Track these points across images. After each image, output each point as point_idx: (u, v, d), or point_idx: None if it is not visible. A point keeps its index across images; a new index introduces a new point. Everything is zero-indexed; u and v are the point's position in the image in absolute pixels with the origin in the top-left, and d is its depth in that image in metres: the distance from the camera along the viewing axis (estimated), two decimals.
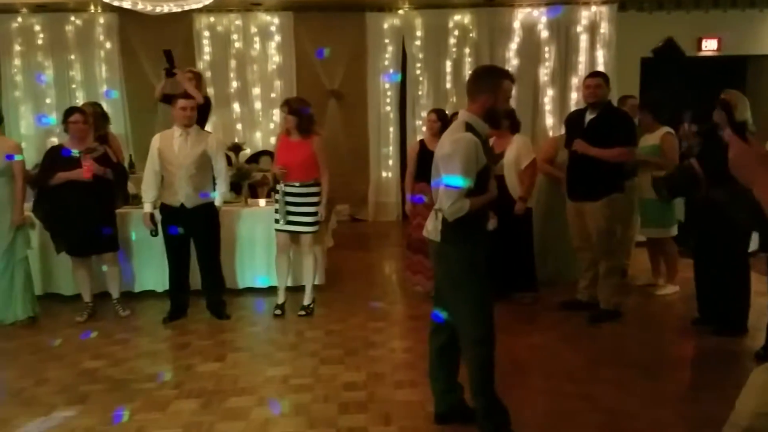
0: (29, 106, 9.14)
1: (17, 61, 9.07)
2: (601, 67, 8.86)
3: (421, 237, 5.45)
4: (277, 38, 9.25)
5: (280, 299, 5.26)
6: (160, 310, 5.23)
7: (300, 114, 4.95)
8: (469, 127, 2.92)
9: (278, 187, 5.06)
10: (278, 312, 5.19)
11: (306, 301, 5.23)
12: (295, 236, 5.13)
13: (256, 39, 9.26)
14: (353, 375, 3.95)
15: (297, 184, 4.99)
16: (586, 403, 3.55)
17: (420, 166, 5.31)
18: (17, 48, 9.05)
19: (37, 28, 9.03)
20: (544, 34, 9.28)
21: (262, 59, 9.31)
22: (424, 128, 9.25)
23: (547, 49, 9.31)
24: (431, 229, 3.06)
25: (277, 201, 5.06)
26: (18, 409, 3.55)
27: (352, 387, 3.77)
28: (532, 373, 4.00)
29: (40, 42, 9.06)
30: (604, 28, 9.21)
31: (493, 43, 9.32)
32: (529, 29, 9.28)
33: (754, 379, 1.92)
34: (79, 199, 4.89)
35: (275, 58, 9.29)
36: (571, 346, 4.46)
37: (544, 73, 9.36)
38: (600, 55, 9.25)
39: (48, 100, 9.14)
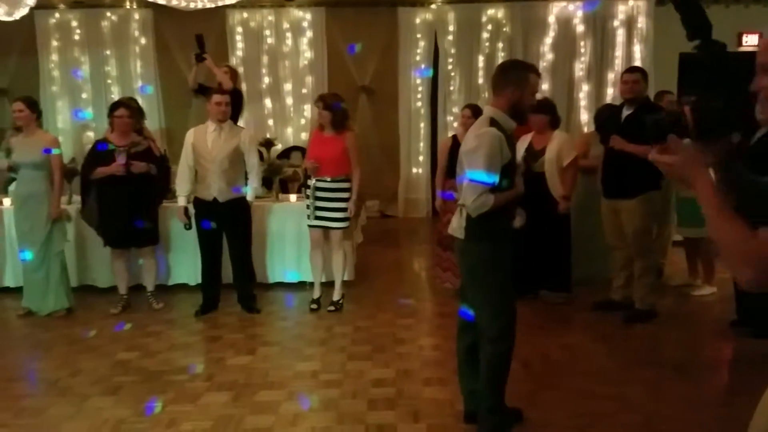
0: (66, 101, 9.32)
1: (54, 57, 9.25)
2: (638, 62, 8.68)
3: (450, 234, 5.44)
4: (309, 34, 9.27)
5: (316, 294, 5.28)
6: (193, 303, 5.28)
7: (334, 109, 4.96)
8: (493, 122, 2.88)
9: (309, 182, 5.07)
10: (314, 306, 5.21)
11: (335, 297, 5.24)
12: (325, 232, 5.14)
13: (288, 35, 9.30)
14: (382, 371, 3.94)
15: (328, 179, 5.00)
16: (620, 404, 3.48)
17: (452, 162, 5.25)
18: (54, 43, 9.23)
19: (74, 23, 9.19)
20: (580, 28, 9.14)
21: (293, 55, 9.34)
22: (455, 124, 9.25)
23: (582, 43, 9.17)
24: (456, 226, 3.04)
25: (308, 196, 5.07)
26: (53, 398, 3.62)
27: (380, 383, 3.76)
28: (565, 374, 3.93)
29: (76, 38, 9.22)
30: (641, 22, 9.03)
31: (527, 38, 9.21)
32: (565, 23, 9.15)
33: None
34: (121, 193, 4.98)
35: (307, 54, 9.32)
36: (605, 346, 4.38)
37: (580, 68, 9.21)
38: (637, 50, 9.07)
39: (84, 95, 9.31)
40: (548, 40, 9.18)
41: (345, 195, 5.04)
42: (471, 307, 3.09)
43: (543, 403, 3.48)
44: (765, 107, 1.67)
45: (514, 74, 2.94)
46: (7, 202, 5.57)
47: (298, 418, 3.36)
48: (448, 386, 3.64)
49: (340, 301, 5.26)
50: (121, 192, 4.99)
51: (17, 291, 5.35)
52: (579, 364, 4.09)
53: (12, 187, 5.35)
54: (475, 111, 5.38)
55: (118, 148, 4.99)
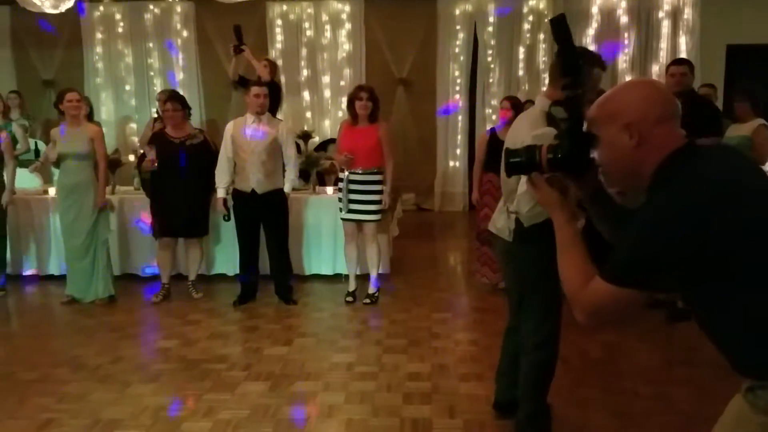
0: (109, 92, 9.53)
1: (99, 49, 9.47)
2: (683, 54, 8.45)
3: (488, 228, 5.38)
4: (348, 26, 9.28)
5: (351, 286, 5.29)
6: (231, 293, 5.35)
7: (376, 100, 4.96)
8: (550, 118, 2.76)
9: (342, 175, 5.06)
10: (350, 299, 5.22)
11: (371, 290, 5.24)
12: (359, 225, 5.14)
13: (327, 27, 9.32)
14: (417, 365, 3.92)
15: (360, 171, 4.99)
16: (661, 404, 3.39)
17: (490, 155, 5.20)
18: (99, 36, 9.44)
19: (118, 16, 9.39)
20: (624, 19, 8.94)
21: (332, 47, 9.36)
22: (494, 116, 9.16)
23: (626, 35, 8.97)
24: (501, 227, 2.93)
25: (340, 189, 5.07)
26: (95, 384, 3.71)
27: (416, 377, 3.74)
28: (605, 372, 3.85)
29: (120, 30, 9.41)
30: (687, 13, 8.79)
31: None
32: (608, 14, 8.97)
33: (729, 407, 1.63)
34: (175, 185, 5.08)
35: (345, 46, 9.33)
36: (646, 345, 4.29)
37: (623, 60, 9.02)
38: (682, 41, 8.84)
39: (127, 87, 9.50)
40: (591, 31, 9.01)
41: (378, 187, 5.04)
42: (516, 309, 3.03)
43: (581, 400, 3.42)
44: (607, 180, 1.68)
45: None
46: (52, 191, 5.70)
47: (333, 410, 3.37)
48: (484, 382, 3.60)
49: (376, 294, 5.26)
50: (176, 184, 5.08)
51: (61, 279, 5.49)
52: (619, 362, 4.01)
53: (56, 178, 5.47)
54: (514, 103, 5.31)
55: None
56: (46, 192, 5.92)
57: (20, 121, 7.24)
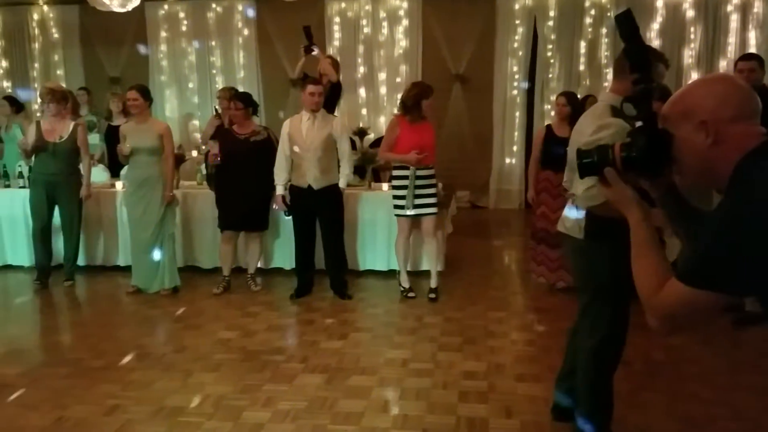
0: (173, 89, 9.80)
1: (163, 47, 9.74)
2: (752, 50, 8.08)
3: (545, 227, 5.31)
4: (405, 22, 9.27)
5: (406, 282, 5.31)
6: (288, 286, 5.45)
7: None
8: (615, 111, 2.67)
9: (397, 172, 5.09)
10: (412, 294, 5.25)
11: (433, 284, 5.26)
12: (416, 220, 5.14)
13: (384, 24, 9.33)
14: (473, 364, 3.91)
15: (423, 167, 5.05)
16: (726, 410, 3.28)
17: (546, 152, 5.12)
18: (163, 34, 9.71)
19: (182, 15, 9.63)
20: (690, 13, 8.62)
21: (389, 44, 9.38)
22: (552, 113, 8.99)
23: (692, 29, 8.65)
24: (570, 225, 2.87)
25: (406, 187, 5.06)
26: (159, 373, 3.84)
27: (471, 376, 3.73)
28: (667, 376, 3.75)
29: (183, 29, 9.67)
30: (757, 7, 8.40)
31: None
32: (674, 8, 8.66)
33: None
34: (238, 179, 5.22)
35: (402, 43, 9.32)
36: (711, 349, 4.15)
37: (689, 55, 8.70)
38: (752, 36, 8.46)
39: (191, 85, 9.76)
40: (655, 25, 8.73)
41: (434, 181, 5.15)
42: (584, 308, 2.97)
43: (643, 404, 3.34)
44: (681, 180, 1.61)
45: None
46: (119, 185, 5.92)
47: (389, 405, 3.40)
48: (542, 383, 3.56)
49: (437, 288, 5.29)
50: (239, 179, 5.22)
51: (127, 269, 5.70)
52: (683, 366, 3.89)
53: (124, 172, 5.67)
54: (570, 98, 5.21)
55: (240, 136, 5.26)
56: (113, 186, 6.16)
57: (88, 117, 7.55)
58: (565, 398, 3.14)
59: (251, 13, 9.42)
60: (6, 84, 9.89)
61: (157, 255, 5.33)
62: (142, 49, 9.52)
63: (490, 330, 4.52)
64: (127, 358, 4.08)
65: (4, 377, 3.81)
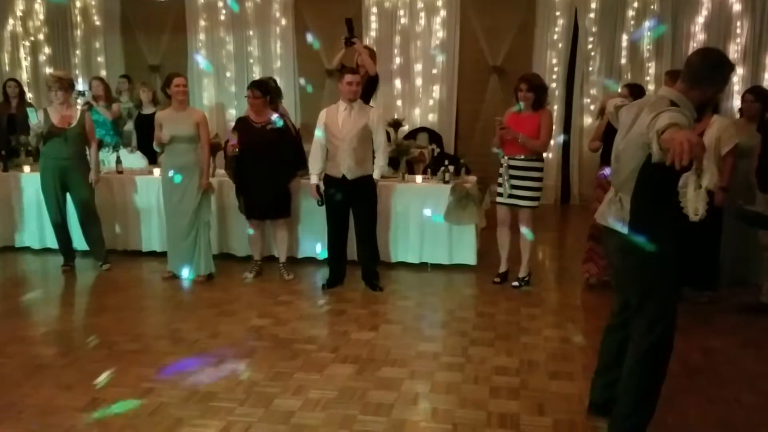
0: (211, 79, 9.89)
1: (202, 36, 9.83)
2: None
3: (596, 224, 5.18)
4: (443, 13, 9.18)
5: (502, 268, 5.41)
6: (320, 276, 5.47)
7: (536, 90, 5.01)
8: (673, 105, 2.58)
9: (503, 160, 5.13)
10: (497, 280, 5.37)
11: (521, 273, 5.29)
12: (513, 210, 5.21)
13: (422, 15, 9.26)
14: (505, 360, 3.86)
15: (521, 157, 5.04)
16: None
17: (605, 146, 5.00)
18: (202, 23, 9.80)
19: (220, 4, 9.70)
20: (737, 7, 8.35)
21: (425, 35, 9.30)
22: (592, 107, 8.83)
23: (738, 23, 8.38)
24: (613, 219, 2.81)
25: (500, 174, 5.13)
26: (192, 358, 3.88)
27: (503, 372, 3.69)
28: (706, 379, 3.65)
29: (222, 18, 9.74)
30: None
31: (676, 16, 8.58)
32: (719, 1, 8.40)
33: None
34: (258, 168, 5.26)
35: (439, 34, 9.24)
36: (752, 352, 4.03)
37: (735, 49, 8.43)
38: None
39: (228, 74, 9.84)
40: (700, 19, 8.49)
41: (536, 174, 5.09)
42: (623, 307, 2.91)
43: (681, 408, 3.25)
44: None
45: (720, 72, 2.68)
46: (157, 172, 6.00)
47: (419, 398, 3.38)
48: (576, 382, 3.51)
49: (527, 278, 5.30)
50: (257, 167, 5.24)
51: (163, 255, 5.78)
52: (722, 369, 3.79)
53: (161, 159, 5.74)
54: (633, 91, 5.04)
55: (256, 125, 5.27)
56: (151, 172, 6.25)
57: (127, 104, 7.66)
58: (601, 395, 3.08)
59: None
60: (49, 70, 10.09)
61: (193, 242, 5.41)
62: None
63: (524, 326, 4.47)
64: (162, 342, 4.15)
65: (41, 358, 3.91)
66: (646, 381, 2.80)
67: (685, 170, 2.25)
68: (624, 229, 2.74)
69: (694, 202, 2.46)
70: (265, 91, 5.38)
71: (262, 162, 5.25)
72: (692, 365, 3.81)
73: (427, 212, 5.68)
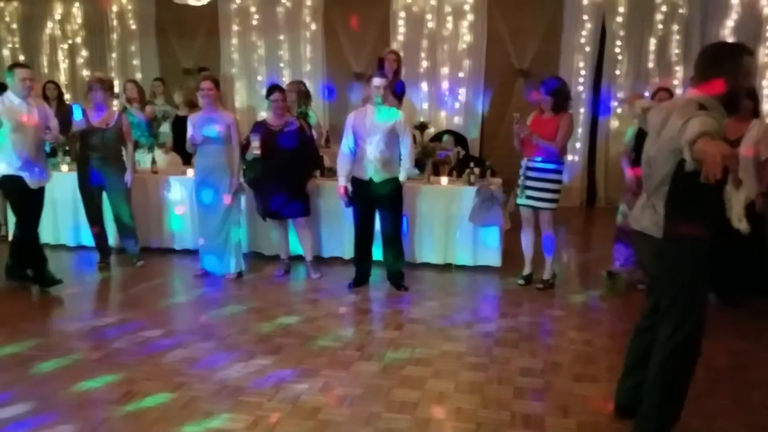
0: (243, 82, 10.06)
1: (234, 40, 10.00)
2: None
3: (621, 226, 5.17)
4: (470, 17, 9.21)
5: (526, 270, 5.45)
6: (346, 276, 5.54)
7: (556, 95, 5.07)
8: (702, 109, 2.58)
9: (522, 161, 5.22)
10: (521, 282, 5.41)
11: (546, 276, 5.32)
12: (535, 212, 5.25)
13: (449, 18, 9.30)
14: (529, 361, 3.90)
15: (539, 159, 5.09)
16: None
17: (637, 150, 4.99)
18: (234, 28, 9.97)
19: (252, 9, 9.86)
20: (767, 10, 8.23)
21: (453, 38, 9.34)
22: (619, 110, 8.78)
23: None
24: (648, 223, 2.82)
25: (520, 176, 5.21)
26: (223, 353, 3.99)
27: (527, 373, 3.72)
28: (731, 383, 3.65)
29: (254, 23, 9.90)
30: None
31: (705, 20, 8.48)
32: (749, 5, 8.29)
33: None
34: (274, 170, 5.36)
35: (466, 37, 9.28)
36: None
37: (765, 53, 8.31)
38: None
39: (259, 78, 10.00)
40: (730, 23, 8.37)
41: (554, 176, 5.13)
42: (653, 310, 2.93)
43: (707, 411, 3.25)
44: None
45: (727, 59, 2.66)
46: (190, 172, 6.14)
47: (443, 397, 3.43)
48: (600, 384, 3.53)
49: (551, 280, 5.33)
50: (274, 169, 5.35)
51: (195, 253, 5.92)
52: (749, 372, 3.78)
53: (194, 160, 5.87)
54: (671, 94, 5.07)
55: (274, 128, 5.38)
56: (184, 173, 6.40)
57: (163, 107, 7.84)
58: (627, 398, 3.10)
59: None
60: (86, 73, 10.37)
61: (224, 240, 5.54)
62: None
63: (548, 328, 4.50)
64: (193, 338, 4.26)
65: (77, 351, 4.05)
66: (671, 383, 2.82)
67: (720, 182, 2.27)
68: (658, 234, 2.75)
69: (738, 215, 2.48)
70: (287, 94, 5.54)
71: (279, 164, 5.34)
72: (719, 369, 3.80)
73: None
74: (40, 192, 5.26)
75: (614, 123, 9.05)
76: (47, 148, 5.43)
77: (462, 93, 9.39)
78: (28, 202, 5.20)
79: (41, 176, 5.23)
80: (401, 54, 7.73)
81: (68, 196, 6.38)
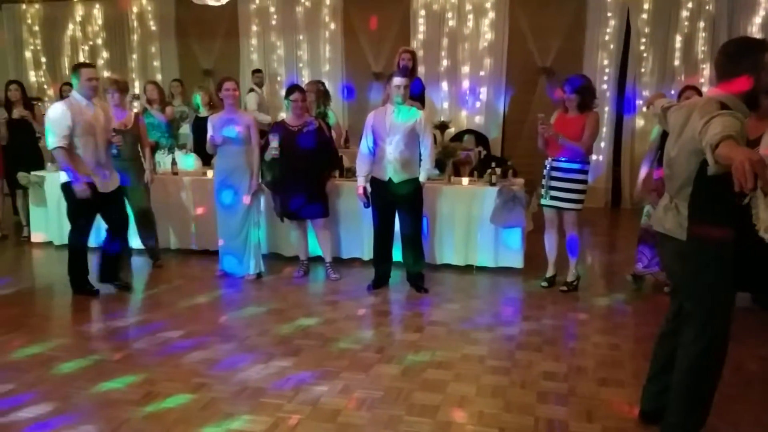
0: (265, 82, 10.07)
1: (253, 41, 10.03)
2: None
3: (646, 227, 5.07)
4: (491, 15, 9.14)
5: (550, 272, 5.39)
6: (365, 277, 5.51)
7: (582, 93, 4.98)
8: (724, 108, 2.52)
9: (546, 162, 5.14)
10: (545, 284, 5.34)
11: (569, 278, 5.25)
12: (559, 213, 5.18)
13: (470, 17, 9.24)
14: (552, 365, 3.82)
15: (563, 160, 5.02)
16: None
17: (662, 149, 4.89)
18: (254, 28, 10.00)
19: (272, 9, 9.89)
20: None
21: (473, 37, 9.28)
22: (644, 108, 8.60)
23: None
24: (671, 225, 2.76)
25: (544, 176, 5.14)
26: (242, 355, 3.98)
27: (551, 377, 3.65)
28: (761, 388, 3.55)
29: (273, 23, 9.91)
30: None
31: (733, 17, 8.33)
32: None
33: None
34: (292, 170, 5.34)
35: (487, 36, 9.20)
36: None
37: None
38: None
39: (279, 78, 10.01)
40: (757, 19, 8.22)
41: (579, 177, 5.04)
42: (678, 313, 2.86)
43: (734, 416, 3.16)
44: None
45: (749, 57, 2.59)
46: (210, 174, 6.15)
47: (465, 401, 3.38)
48: (626, 389, 3.45)
49: (575, 283, 5.26)
50: (292, 169, 5.33)
51: (215, 254, 5.91)
52: None
53: (214, 161, 5.88)
54: (700, 93, 4.95)
55: (293, 128, 5.35)
56: (204, 174, 6.41)
57: (181, 108, 7.88)
58: (652, 403, 3.03)
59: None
60: (106, 74, 10.46)
61: (243, 241, 5.54)
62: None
63: (572, 331, 4.41)
64: (213, 339, 4.25)
65: (98, 352, 4.06)
66: (696, 388, 2.75)
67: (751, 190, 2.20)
68: (682, 236, 2.69)
69: (765, 222, 2.40)
70: (306, 94, 5.50)
71: (298, 163, 5.32)
72: (746, 373, 3.70)
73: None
74: (113, 195, 5.14)
75: (639, 122, 8.91)
76: (114, 151, 5.32)
77: (483, 92, 9.32)
78: (92, 208, 5.03)
79: (111, 179, 5.13)
80: (418, 52, 7.69)
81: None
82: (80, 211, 5.03)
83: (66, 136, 4.79)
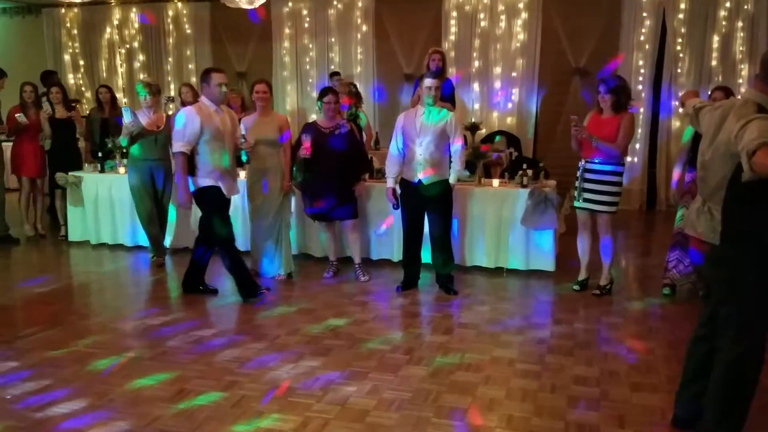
0: (294, 85, 10.18)
1: (286, 44, 10.13)
2: None
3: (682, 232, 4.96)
4: (524, 15, 9.07)
5: (582, 276, 5.32)
6: (394, 278, 5.51)
7: (616, 92, 4.90)
8: (761, 110, 2.47)
9: (579, 163, 5.09)
10: (577, 288, 5.28)
11: (602, 282, 5.19)
12: (593, 215, 5.12)
13: (503, 17, 9.18)
14: (584, 369, 3.77)
15: (597, 161, 4.96)
16: None
17: (695, 151, 4.81)
18: (287, 31, 10.09)
19: (304, 12, 9.97)
20: None
21: (506, 38, 9.22)
22: (680, 110, 8.45)
23: None
24: (705, 229, 2.70)
25: (578, 178, 5.08)
26: (273, 354, 4.02)
27: (582, 381, 3.60)
28: None
29: (306, 26, 9.99)
30: None
31: None
32: None
33: None
34: (323, 171, 5.37)
35: (520, 36, 9.13)
36: None
37: None
38: None
39: (310, 80, 10.09)
40: None
41: (614, 179, 4.96)
42: (711, 317, 2.80)
43: (762, 424, 3.08)
44: None
45: None
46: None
47: (494, 404, 3.35)
48: (659, 394, 3.38)
49: (608, 286, 5.19)
50: (323, 171, 5.36)
51: (246, 254, 5.93)
52: None
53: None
54: (728, 94, 4.84)
55: (324, 130, 5.39)
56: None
57: None
58: (686, 409, 2.97)
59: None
60: (142, 76, 10.68)
61: (275, 242, 5.58)
62: None
63: (605, 335, 4.34)
64: (245, 338, 4.29)
65: (131, 349, 4.13)
66: (732, 394, 2.69)
67: None
68: (715, 240, 2.64)
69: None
70: (338, 96, 5.53)
71: (329, 165, 5.35)
72: None
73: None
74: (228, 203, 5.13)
75: (675, 123, 8.74)
76: (243, 158, 5.29)
77: (515, 93, 9.25)
78: (225, 213, 5.00)
79: (235, 186, 5.11)
80: (450, 54, 7.66)
81: (126, 197, 6.54)
82: (218, 214, 4.94)
83: (190, 142, 4.74)
